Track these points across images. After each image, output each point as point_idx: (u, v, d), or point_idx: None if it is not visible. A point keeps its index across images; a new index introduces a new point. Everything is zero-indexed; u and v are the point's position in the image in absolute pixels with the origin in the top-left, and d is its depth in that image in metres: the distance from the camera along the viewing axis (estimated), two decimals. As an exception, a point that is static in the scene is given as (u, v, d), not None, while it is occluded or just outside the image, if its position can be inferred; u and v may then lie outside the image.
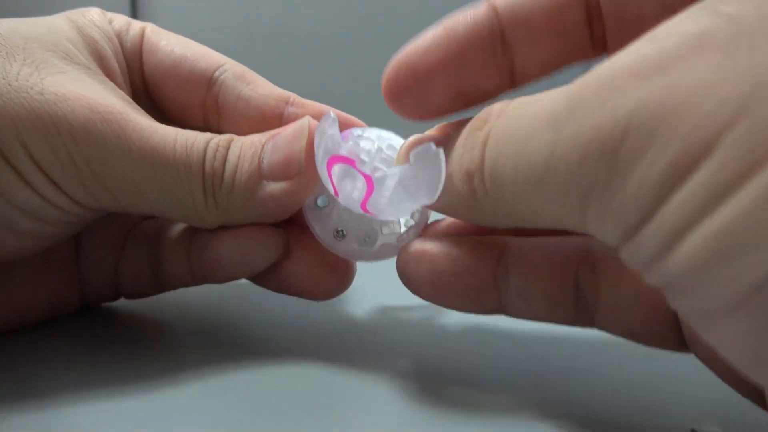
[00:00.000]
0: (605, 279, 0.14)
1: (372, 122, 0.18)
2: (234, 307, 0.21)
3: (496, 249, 0.14)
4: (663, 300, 0.13)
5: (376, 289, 0.23)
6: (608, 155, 0.09)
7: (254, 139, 0.16)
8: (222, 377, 0.15)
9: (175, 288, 0.19)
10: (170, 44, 0.19)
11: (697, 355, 0.13)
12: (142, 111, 0.16)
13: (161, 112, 0.19)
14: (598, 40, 0.14)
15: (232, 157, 0.16)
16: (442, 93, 0.14)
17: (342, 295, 0.22)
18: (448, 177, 0.13)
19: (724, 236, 0.08)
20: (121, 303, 0.20)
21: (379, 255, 0.17)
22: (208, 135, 0.16)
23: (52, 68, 0.15)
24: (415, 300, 0.15)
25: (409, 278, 0.15)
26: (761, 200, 0.07)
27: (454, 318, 0.20)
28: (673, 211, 0.08)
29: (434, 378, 0.15)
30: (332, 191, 0.15)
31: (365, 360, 0.16)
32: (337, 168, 0.16)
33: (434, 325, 0.19)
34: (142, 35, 0.19)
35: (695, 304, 0.08)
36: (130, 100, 0.16)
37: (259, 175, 0.16)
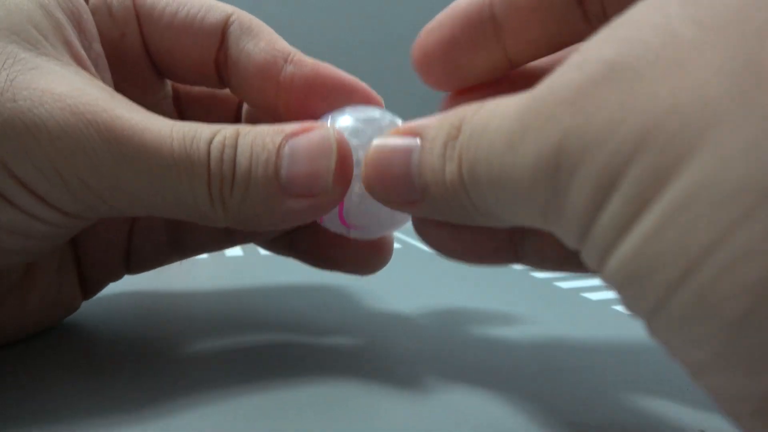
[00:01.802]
0: None
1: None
2: (227, 311, 0.21)
3: None
4: None
5: (376, 290, 0.23)
6: (551, 177, 0.10)
7: (266, 139, 0.14)
8: (222, 388, 0.15)
9: (195, 254, 0.19)
10: (171, 3, 0.17)
11: None
12: (127, 101, 0.14)
13: (171, 75, 0.19)
14: (595, 18, 0.14)
15: (242, 160, 0.14)
16: (450, 70, 0.16)
17: (340, 297, 0.22)
18: (428, 190, 0.13)
19: (632, 261, 0.08)
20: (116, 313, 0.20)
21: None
22: (211, 129, 0.14)
23: (20, 65, 0.13)
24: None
25: (428, 240, 0.15)
26: (654, 232, 0.08)
27: (455, 318, 0.20)
28: (600, 232, 0.09)
29: (438, 381, 0.15)
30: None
31: (364, 362, 0.16)
32: None
33: (437, 327, 0.19)
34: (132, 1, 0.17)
35: (631, 306, 0.09)
36: (112, 91, 0.15)
37: (278, 187, 0.14)
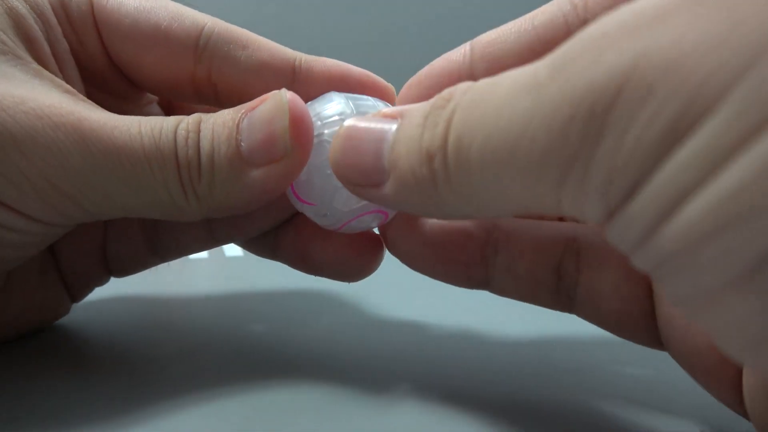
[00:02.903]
0: (587, 267, 0.14)
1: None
2: (217, 318, 0.21)
3: (486, 226, 0.15)
4: (641, 295, 0.13)
5: (373, 293, 0.23)
6: (598, 116, 0.08)
7: (226, 118, 0.14)
8: (215, 394, 0.15)
9: (178, 256, 0.18)
10: (126, 10, 0.16)
11: (671, 353, 0.13)
12: (91, 102, 0.14)
13: (143, 87, 0.17)
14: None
15: (205, 142, 0.14)
16: None
17: (337, 300, 0.21)
18: (397, 164, 0.12)
19: (730, 201, 0.07)
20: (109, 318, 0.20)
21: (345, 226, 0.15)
22: (174, 119, 0.14)
23: None
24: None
25: (398, 249, 0.15)
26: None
27: (453, 320, 0.20)
28: (670, 177, 0.07)
29: (436, 382, 0.15)
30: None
31: (361, 365, 0.16)
32: None
33: (434, 329, 0.19)
34: (90, 3, 0.16)
35: (691, 283, 0.08)
36: (74, 92, 0.14)
37: (240, 160, 0.14)
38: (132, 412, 0.13)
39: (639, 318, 0.13)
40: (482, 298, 0.23)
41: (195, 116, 0.14)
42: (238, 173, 0.14)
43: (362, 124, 0.13)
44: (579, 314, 0.14)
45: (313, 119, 0.14)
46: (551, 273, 0.14)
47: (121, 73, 0.17)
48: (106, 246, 0.18)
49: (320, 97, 0.15)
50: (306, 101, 0.15)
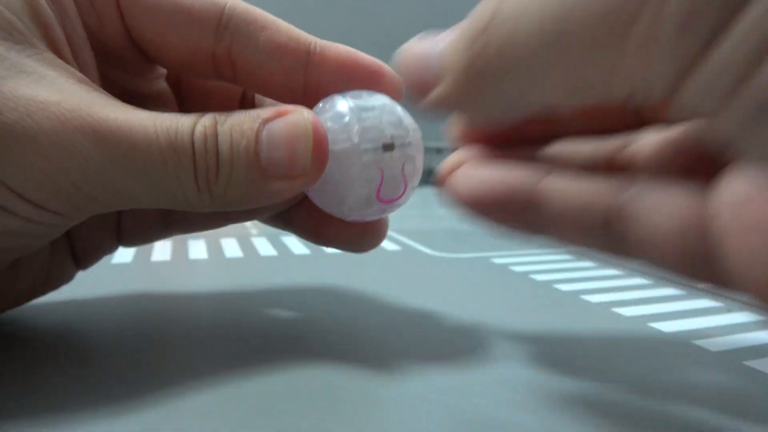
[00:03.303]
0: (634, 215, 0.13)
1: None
2: (212, 312, 0.21)
3: (542, 171, 0.14)
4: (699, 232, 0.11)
5: (375, 292, 0.23)
6: None
7: (244, 126, 0.14)
8: (218, 385, 0.15)
9: (191, 231, 0.19)
10: None
11: (727, 269, 0.11)
12: (105, 94, 0.14)
13: (160, 64, 0.18)
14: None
15: (224, 147, 0.14)
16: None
17: (339, 299, 0.22)
18: (448, 59, 0.12)
19: None
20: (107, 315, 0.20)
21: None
22: (190, 120, 0.14)
23: (1, 67, 0.13)
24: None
25: (457, 194, 0.15)
26: None
27: (453, 320, 0.20)
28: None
29: (435, 382, 0.15)
30: None
31: (362, 363, 0.16)
32: None
33: (436, 328, 0.19)
34: None
35: None
36: (88, 82, 0.14)
37: (259, 170, 0.14)
38: (132, 410, 0.13)
39: (696, 253, 0.12)
40: (485, 297, 0.23)
41: (210, 118, 0.14)
42: (255, 182, 0.14)
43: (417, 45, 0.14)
44: (635, 256, 0.14)
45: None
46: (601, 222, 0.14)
47: (139, 51, 0.17)
48: (121, 220, 0.19)
49: (327, 106, 0.16)
50: (317, 84, 0.16)
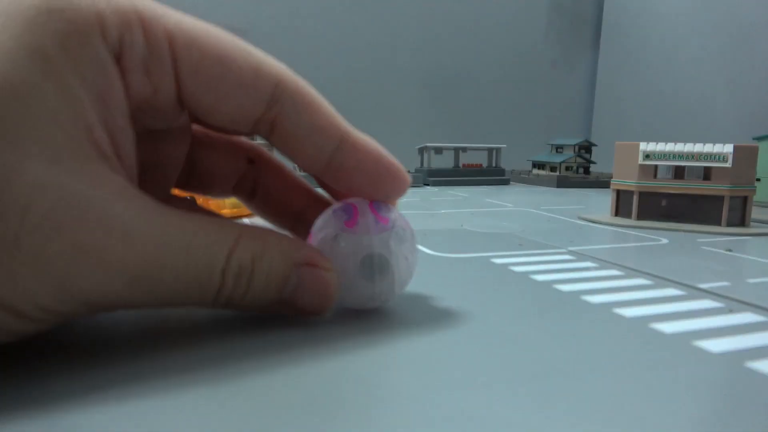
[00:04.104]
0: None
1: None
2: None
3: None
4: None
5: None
6: None
7: (279, 271, 0.17)
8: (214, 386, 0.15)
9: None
10: (210, 60, 0.16)
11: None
12: (143, 200, 0.15)
13: (205, 124, 0.18)
14: None
15: (258, 285, 0.16)
16: None
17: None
18: None
19: None
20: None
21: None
22: (223, 254, 0.16)
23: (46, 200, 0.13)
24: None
25: None
26: None
27: (453, 320, 0.20)
28: None
29: (434, 382, 0.15)
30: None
31: (360, 361, 0.16)
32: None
33: (434, 328, 0.19)
34: (167, 35, 0.15)
35: None
36: (146, 203, 0.15)
37: (277, 301, 0.17)
38: (131, 408, 0.13)
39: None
40: (484, 297, 0.23)
41: (248, 254, 0.16)
42: (268, 306, 0.17)
43: None
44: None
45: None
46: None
47: (181, 107, 0.17)
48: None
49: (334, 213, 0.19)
50: (338, 168, 0.18)
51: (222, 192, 0.22)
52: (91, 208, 0.13)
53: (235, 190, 0.23)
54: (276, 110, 0.17)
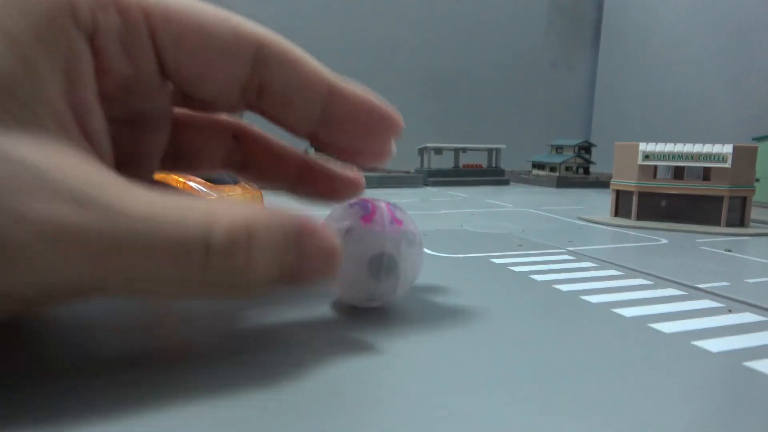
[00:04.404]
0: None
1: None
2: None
3: None
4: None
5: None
6: None
7: (278, 238, 0.15)
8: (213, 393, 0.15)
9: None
10: (190, 28, 0.15)
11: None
12: (125, 184, 0.14)
13: (192, 95, 0.17)
14: None
15: (258, 256, 0.14)
16: None
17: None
18: None
19: None
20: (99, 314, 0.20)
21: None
22: (203, 218, 0.14)
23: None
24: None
25: None
26: None
27: (453, 319, 0.20)
28: None
29: (434, 382, 0.15)
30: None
31: (360, 361, 0.16)
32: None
33: (434, 327, 0.19)
34: (143, 11, 0.15)
35: None
36: (109, 176, 0.14)
37: (282, 272, 0.15)
38: (130, 406, 0.13)
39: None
40: (484, 297, 0.23)
41: (239, 221, 0.14)
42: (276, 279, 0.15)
43: None
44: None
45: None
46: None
47: (164, 81, 0.17)
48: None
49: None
50: (331, 123, 0.18)
51: (211, 169, 0.23)
52: (37, 177, 0.12)
53: (225, 165, 0.22)
54: (261, 72, 0.17)
